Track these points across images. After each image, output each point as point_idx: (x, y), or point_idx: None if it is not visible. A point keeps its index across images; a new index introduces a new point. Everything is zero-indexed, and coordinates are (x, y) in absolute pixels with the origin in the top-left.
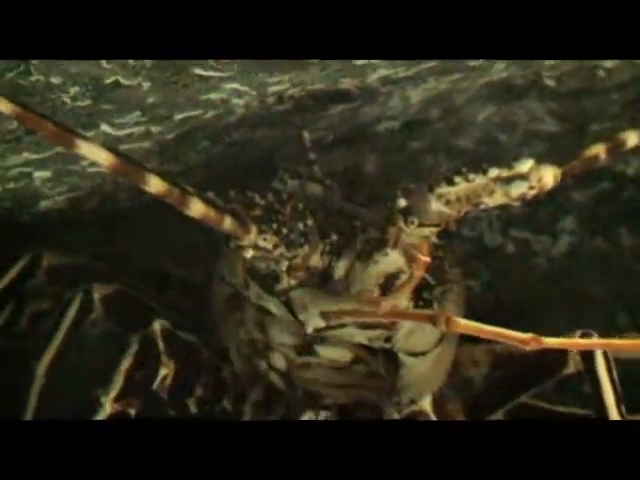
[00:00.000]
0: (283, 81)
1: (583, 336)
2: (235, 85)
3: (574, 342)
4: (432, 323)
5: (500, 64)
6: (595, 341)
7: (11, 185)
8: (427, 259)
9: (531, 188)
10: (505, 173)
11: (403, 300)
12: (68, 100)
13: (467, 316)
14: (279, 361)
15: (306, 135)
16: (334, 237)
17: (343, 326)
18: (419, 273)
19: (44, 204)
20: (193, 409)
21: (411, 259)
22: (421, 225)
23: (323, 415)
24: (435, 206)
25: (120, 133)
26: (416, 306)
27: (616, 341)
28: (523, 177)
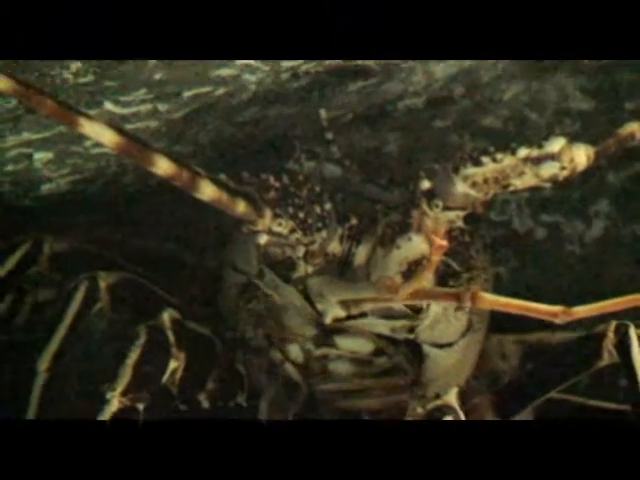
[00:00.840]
0: None
1: (619, 327)
2: (247, 60)
3: (603, 305)
4: (457, 300)
5: None
6: (625, 299)
7: (10, 167)
8: (444, 243)
9: (563, 169)
10: (535, 153)
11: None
12: (70, 76)
13: None
14: (296, 353)
15: (323, 113)
16: (354, 221)
17: (364, 316)
18: (436, 258)
19: (45, 187)
20: (205, 404)
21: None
22: (446, 208)
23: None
24: (461, 188)
25: (125, 111)
26: None
27: None
28: (554, 157)
